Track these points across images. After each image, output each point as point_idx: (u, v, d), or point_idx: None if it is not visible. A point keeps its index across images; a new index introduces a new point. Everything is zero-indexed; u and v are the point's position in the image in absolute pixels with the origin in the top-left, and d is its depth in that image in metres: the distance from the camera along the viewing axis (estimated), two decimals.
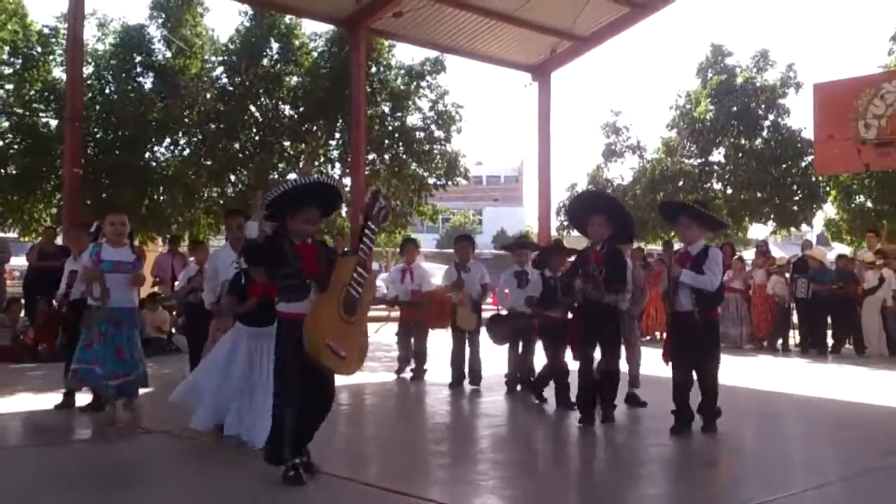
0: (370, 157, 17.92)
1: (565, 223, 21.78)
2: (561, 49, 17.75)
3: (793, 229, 22.19)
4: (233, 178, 18.70)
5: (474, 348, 8.85)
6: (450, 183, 19.52)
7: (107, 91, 16.98)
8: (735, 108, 20.24)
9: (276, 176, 19.03)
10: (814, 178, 19.52)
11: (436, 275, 10.49)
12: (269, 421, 4.72)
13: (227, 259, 6.14)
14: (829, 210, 20.82)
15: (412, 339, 9.45)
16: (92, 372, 6.24)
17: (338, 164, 19.31)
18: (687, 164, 20.88)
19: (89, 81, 15.97)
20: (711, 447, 5.98)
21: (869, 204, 19.42)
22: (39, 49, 16.42)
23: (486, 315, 9.13)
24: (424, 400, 8.48)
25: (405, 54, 70.62)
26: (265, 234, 5.63)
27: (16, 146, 16.26)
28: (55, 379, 8.75)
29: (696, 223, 6.18)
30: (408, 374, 9.42)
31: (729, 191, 20.89)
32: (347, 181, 18.31)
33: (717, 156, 21.03)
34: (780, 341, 14.08)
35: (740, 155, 20.35)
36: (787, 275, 14.22)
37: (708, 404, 6.16)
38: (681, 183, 20.76)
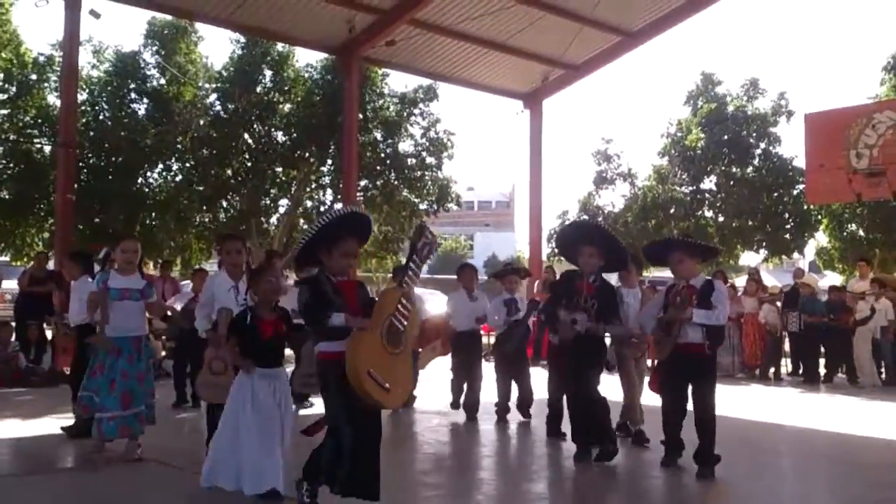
0: (362, 183, 17.96)
1: (556, 250, 21.87)
2: (553, 77, 17.90)
3: (784, 257, 22.31)
4: (225, 203, 18.71)
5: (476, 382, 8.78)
6: (441, 209, 19.56)
7: (101, 117, 17.01)
8: (726, 137, 20.42)
9: (268, 202, 19.07)
10: (805, 207, 19.63)
11: (427, 300, 10.46)
12: (260, 466, 4.70)
13: (224, 285, 5.91)
14: (821, 238, 20.94)
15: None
16: (93, 400, 6.14)
17: (329, 191, 19.34)
18: (678, 192, 20.99)
19: (83, 107, 16.05)
20: (703, 482, 5.94)
21: (861, 232, 19.53)
22: (34, 76, 16.45)
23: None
24: (414, 428, 8.41)
25: (398, 82, 71.12)
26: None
27: (9, 172, 16.23)
28: (44, 404, 8.68)
29: (689, 256, 6.03)
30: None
31: (720, 218, 21.00)
32: (339, 206, 18.34)
33: (709, 184, 21.18)
34: (772, 370, 14.06)
35: (732, 183, 20.48)
36: (779, 304, 14.24)
37: (708, 445, 5.90)
38: (672, 210, 20.87)
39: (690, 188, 21.11)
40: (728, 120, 20.56)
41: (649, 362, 7.27)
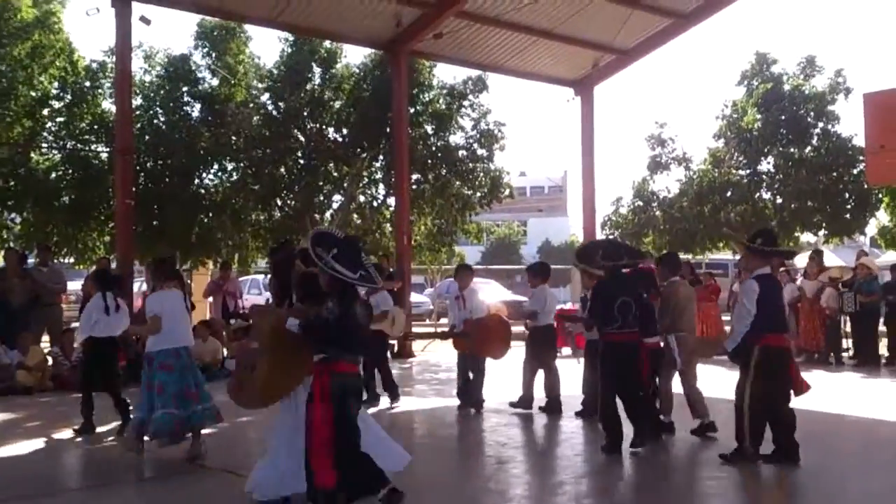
0: (414, 177, 17.96)
1: (610, 237, 21.60)
2: (603, 63, 17.66)
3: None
4: (279, 201, 18.89)
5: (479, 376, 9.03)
6: (494, 200, 19.47)
7: (155, 121, 17.30)
8: (783, 117, 19.87)
9: (322, 198, 19.20)
10: (866, 186, 19.03)
11: (481, 289, 10.46)
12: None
13: None
14: (882, 217, 20.28)
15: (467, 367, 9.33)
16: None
17: (382, 186, 19.39)
18: (735, 175, 20.51)
19: (138, 112, 16.28)
20: (761, 477, 5.82)
21: None
22: (88, 83, 16.79)
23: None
24: (476, 428, 8.40)
25: (447, 74, 70.97)
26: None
27: (69, 178, 16.61)
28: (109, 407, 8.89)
29: (752, 256, 6.34)
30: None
31: (779, 200, 20.46)
32: (392, 201, 18.41)
33: (766, 165, 20.64)
34: (832, 354, 13.74)
35: (790, 164, 19.91)
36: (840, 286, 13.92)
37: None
38: (729, 194, 20.40)
39: (747, 171, 20.59)
40: (785, 99, 19.99)
41: None
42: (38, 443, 7.42)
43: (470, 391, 9.13)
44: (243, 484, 5.15)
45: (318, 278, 4.75)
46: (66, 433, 7.74)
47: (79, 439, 7.55)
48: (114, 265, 13.46)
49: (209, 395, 6.75)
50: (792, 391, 6.21)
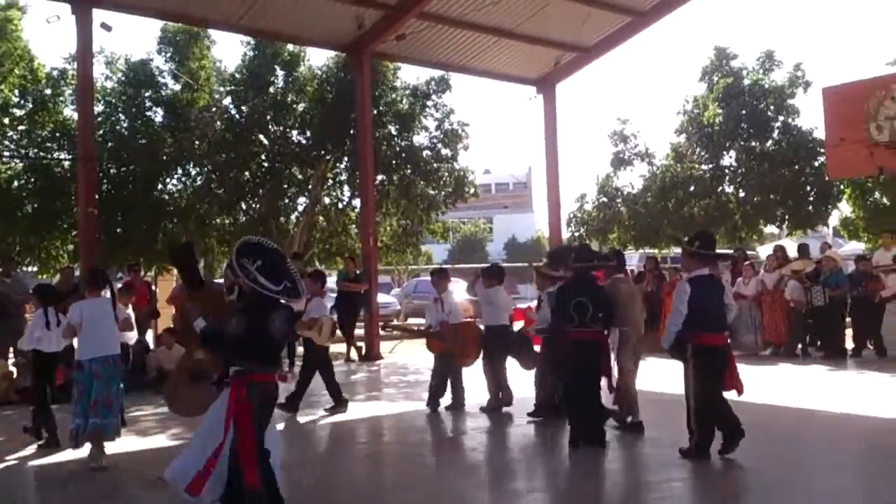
0: (378, 178, 17.97)
1: (576, 233, 21.81)
2: (564, 61, 17.77)
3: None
4: (244, 206, 18.79)
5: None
6: (459, 200, 19.55)
7: (117, 128, 17.13)
8: (744, 111, 20.19)
9: (287, 202, 19.14)
10: (827, 178, 19.40)
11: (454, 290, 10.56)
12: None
13: None
14: (844, 208, 20.69)
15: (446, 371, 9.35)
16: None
17: (347, 187, 19.37)
18: (698, 170, 20.80)
19: (100, 119, 16.10)
20: (731, 477, 5.94)
21: (885, 201, 19.28)
22: (49, 91, 16.57)
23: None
24: (446, 433, 8.45)
25: (410, 75, 70.88)
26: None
27: (31, 187, 16.40)
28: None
29: (689, 258, 6.66)
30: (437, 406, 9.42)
31: (742, 194, 20.79)
32: (357, 203, 18.40)
33: (728, 160, 20.97)
34: (799, 346, 13.97)
35: (752, 158, 20.24)
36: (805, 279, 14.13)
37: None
38: (692, 188, 20.70)
39: (710, 165, 20.91)
40: (745, 94, 20.31)
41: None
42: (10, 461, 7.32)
43: (455, 393, 9.25)
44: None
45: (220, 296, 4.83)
46: (31, 449, 7.66)
47: (37, 453, 7.46)
48: (77, 273, 13.32)
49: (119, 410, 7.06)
50: (724, 387, 6.43)
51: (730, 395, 6.48)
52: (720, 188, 20.96)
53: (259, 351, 4.71)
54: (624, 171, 21.62)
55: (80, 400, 6.81)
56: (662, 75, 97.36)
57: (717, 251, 7.28)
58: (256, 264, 4.69)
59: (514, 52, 17.08)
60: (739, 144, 20.47)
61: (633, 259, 24.68)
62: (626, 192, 21.51)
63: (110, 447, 6.92)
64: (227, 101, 18.50)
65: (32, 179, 16.46)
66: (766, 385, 10.09)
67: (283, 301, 4.79)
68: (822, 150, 19.11)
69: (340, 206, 19.49)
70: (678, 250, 24.25)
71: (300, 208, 19.49)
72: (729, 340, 7.00)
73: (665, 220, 20.51)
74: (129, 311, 9.66)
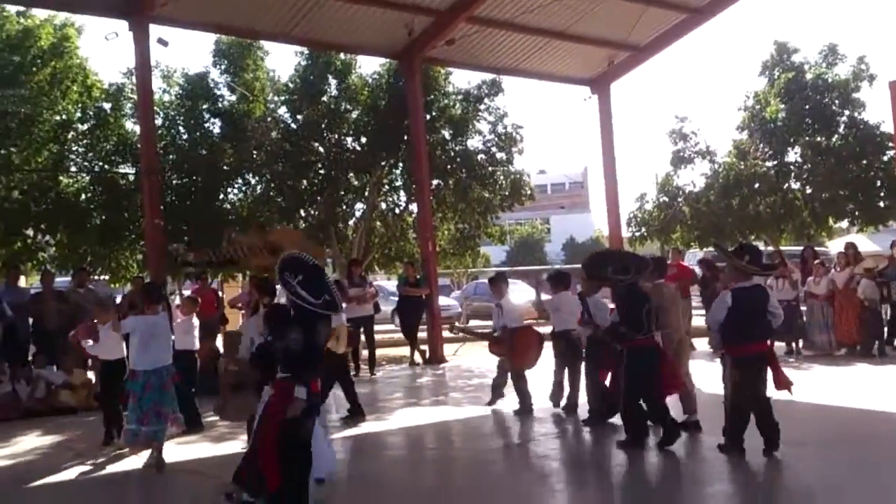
0: (434, 182, 18.02)
1: (636, 234, 21.45)
2: (618, 60, 17.54)
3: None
4: (303, 213, 19.07)
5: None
6: (515, 203, 19.45)
7: (178, 141, 17.60)
8: (807, 106, 19.56)
9: (345, 208, 19.35)
10: None
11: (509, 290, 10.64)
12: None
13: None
14: None
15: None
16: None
17: (403, 192, 19.46)
18: (762, 167, 20.22)
19: (160, 131, 16.54)
20: (797, 480, 5.75)
21: None
22: (108, 106, 17.11)
23: None
24: (515, 439, 8.36)
25: (462, 79, 70.68)
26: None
27: (97, 199, 16.95)
28: None
29: (734, 272, 6.78)
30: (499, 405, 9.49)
31: (808, 190, 20.13)
32: (414, 207, 18.49)
33: (793, 156, 20.30)
34: (876, 345, 13.46)
35: (817, 153, 19.57)
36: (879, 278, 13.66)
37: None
38: (756, 185, 20.11)
39: (774, 162, 20.28)
40: (808, 89, 19.65)
41: None
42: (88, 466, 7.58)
43: (521, 398, 9.29)
44: None
45: (284, 310, 4.96)
46: (110, 454, 7.94)
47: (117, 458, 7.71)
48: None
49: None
50: (775, 387, 6.63)
51: (785, 395, 6.56)
52: (786, 185, 20.30)
53: (307, 361, 4.91)
54: (684, 169, 21.13)
55: (134, 407, 7.11)
56: (721, 71, 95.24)
57: (763, 268, 7.43)
58: (298, 279, 4.88)
59: (567, 53, 16.94)
60: (804, 140, 19.80)
61: (698, 256, 24.17)
62: (688, 191, 21.03)
63: (190, 453, 7.38)
64: (282, 110, 18.82)
65: (99, 192, 17.00)
66: (841, 386, 9.74)
67: (323, 314, 5.00)
68: (891, 145, 18.44)
69: (398, 210, 19.60)
70: (786, 247, 23.68)
71: (358, 214, 19.67)
72: (770, 343, 7.09)
73: (729, 218, 19.99)
74: (195, 320, 9.95)
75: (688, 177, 21.31)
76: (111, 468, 7.42)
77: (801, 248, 17.32)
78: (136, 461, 7.46)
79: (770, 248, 20.18)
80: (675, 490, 6.04)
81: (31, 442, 8.80)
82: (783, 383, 6.58)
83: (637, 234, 21.21)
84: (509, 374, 9.44)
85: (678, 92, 76.98)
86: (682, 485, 6.11)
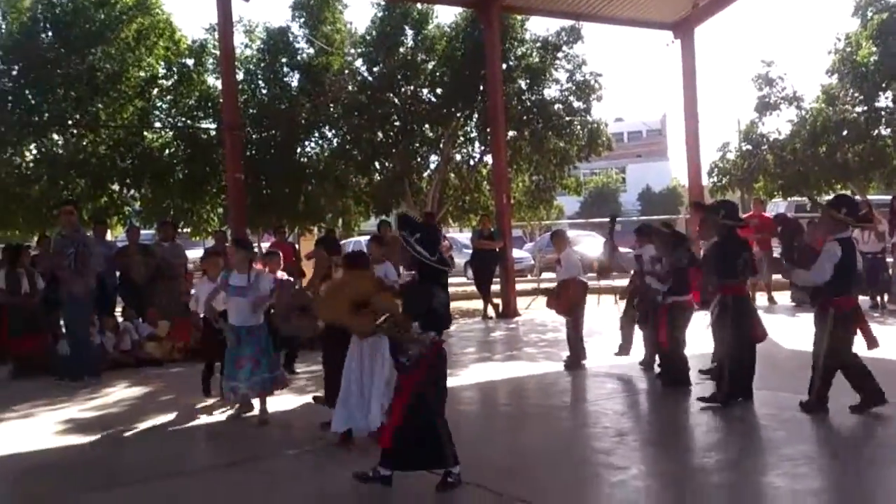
0: (510, 134, 17.82)
1: (717, 183, 20.91)
2: (704, 2, 16.86)
3: None
4: (378, 166, 19.14)
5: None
6: (592, 154, 19.12)
7: (258, 95, 17.76)
8: None
9: (419, 160, 19.34)
10: None
11: (581, 241, 10.64)
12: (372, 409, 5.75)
13: None
14: None
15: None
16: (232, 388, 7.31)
17: (478, 144, 19.32)
18: (851, 112, 19.37)
19: (241, 87, 16.70)
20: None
21: None
22: (192, 62, 17.34)
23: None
24: (584, 394, 8.41)
25: (539, 26, 69.16)
26: None
27: (180, 154, 17.31)
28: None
29: (830, 224, 6.66)
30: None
31: None
32: (489, 159, 18.36)
33: (885, 101, 19.38)
34: None
35: None
36: None
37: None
38: (845, 133, 19.31)
39: (864, 107, 19.39)
40: None
41: None
42: (175, 416, 7.86)
43: (572, 352, 9.43)
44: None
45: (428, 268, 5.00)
46: (199, 405, 8.20)
47: (206, 408, 7.98)
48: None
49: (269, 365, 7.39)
50: (866, 345, 6.66)
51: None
52: (875, 131, 19.45)
53: (447, 317, 5.22)
54: (770, 116, 20.39)
55: (232, 363, 7.21)
56: (810, 12, 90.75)
57: (860, 220, 7.36)
58: (415, 236, 5.02)
59: None
60: None
61: (781, 208, 23.49)
62: (773, 139, 20.32)
63: (275, 404, 7.39)
64: (359, 63, 18.77)
65: (182, 147, 17.35)
66: None
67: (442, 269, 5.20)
68: None
69: (472, 162, 19.50)
70: (874, 196, 22.89)
71: (432, 166, 19.64)
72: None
73: (816, 166, 19.30)
74: (280, 273, 10.10)
75: (773, 124, 20.63)
76: (202, 419, 7.66)
77: (889, 197, 16.64)
78: (222, 415, 7.69)
79: (857, 198, 19.44)
80: (764, 449, 5.93)
81: (119, 393, 9.09)
82: (871, 341, 6.60)
83: (718, 183, 20.68)
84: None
85: (764, 36, 73.91)
86: (775, 444, 6.00)
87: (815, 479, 5.22)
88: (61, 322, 10.64)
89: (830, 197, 9.70)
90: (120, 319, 12.07)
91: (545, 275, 21.92)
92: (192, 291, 8.37)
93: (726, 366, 7.12)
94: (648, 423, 7.19)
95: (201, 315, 8.22)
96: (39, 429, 7.44)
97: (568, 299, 9.33)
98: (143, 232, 16.01)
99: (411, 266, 5.20)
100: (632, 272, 9.37)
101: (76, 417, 7.91)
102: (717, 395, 7.13)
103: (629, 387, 8.47)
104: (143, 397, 8.96)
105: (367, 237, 20.48)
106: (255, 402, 7.35)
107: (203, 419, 7.67)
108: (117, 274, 12.88)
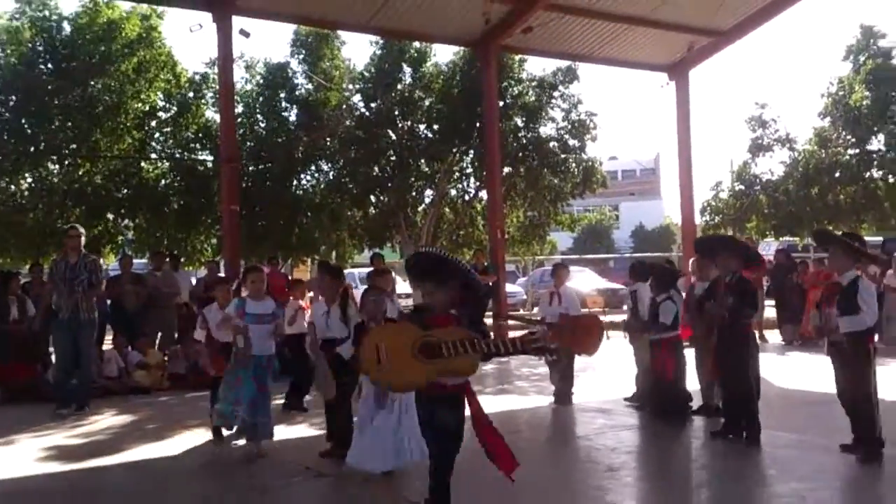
0: (505, 170, 17.95)
1: (710, 222, 21.03)
2: (699, 46, 17.08)
3: None
4: (374, 199, 19.23)
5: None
6: (587, 191, 19.25)
7: (256, 128, 17.90)
8: (893, 93, 18.84)
9: (415, 195, 19.45)
10: None
11: (574, 277, 10.51)
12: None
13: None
14: None
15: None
16: (233, 412, 6.79)
17: (473, 180, 19.45)
18: (843, 155, 19.59)
19: (239, 120, 16.85)
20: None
21: None
22: (191, 94, 17.50)
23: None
24: (575, 429, 8.36)
25: (536, 66, 70.08)
26: None
27: (176, 185, 17.38)
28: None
29: (845, 255, 6.34)
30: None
31: (892, 179, 19.44)
32: (484, 194, 18.46)
33: (877, 144, 19.64)
34: None
35: None
36: None
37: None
38: (837, 174, 19.51)
39: (856, 150, 19.65)
40: (894, 75, 18.94)
41: None
42: (161, 444, 7.76)
43: (561, 386, 9.29)
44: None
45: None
46: (185, 435, 8.11)
47: (192, 438, 7.87)
48: (222, 268, 14.02)
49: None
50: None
51: None
52: (868, 174, 19.67)
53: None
54: (763, 157, 20.65)
55: (233, 388, 6.85)
56: (803, 57, 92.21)
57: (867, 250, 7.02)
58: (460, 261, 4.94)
59: (646, 39, 16.57)
60: (889, 128, 19.12)
61: (773, 248, 23.60)
62: (766, 180, 20.53)
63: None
64: (357, 98, 18.98)
65: (178, 178, 17.43)
66: None
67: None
68: None
69: (467, 198, 19.60)
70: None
71: (427, 201, 19.75)
72: None
73: (807, 207, 19.46)
74: (301, 302, 10.01)
75: (766, 165, 20.92)
76: (186, 448, 7.56)
77: (879, 238, 16.78)
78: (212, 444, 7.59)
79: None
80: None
81: (106, 421, 8.96)
82: None
83: (711, 222, 20.81)
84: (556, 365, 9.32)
85: (757, 78, 74.90)
86: (769, 482, 5.96)
87: None
88: (50, 350, 10.51)
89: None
90: (108, 347, 11.99)
91: (536, 308, 21.88)
92: (200, 320, 8.02)
93: (751, 401, 6.97)
94: (642, 458, 7.12)
95: (203, 341, 7.80)
96: (23, 455, 7.32)
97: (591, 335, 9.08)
98: (134, 261, 15.96)
99: (473, 296, 4.84)
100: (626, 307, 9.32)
101: (61, 444, 7.79)
102: (752, 436, 6.85)
103: (621, 421, 8.41)
104: (130, 425, 8.83)
105: (363, 269, 20.62)
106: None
107: (191, 446, 7.57)
108: (108, 302, 12.81)
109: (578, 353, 9.02)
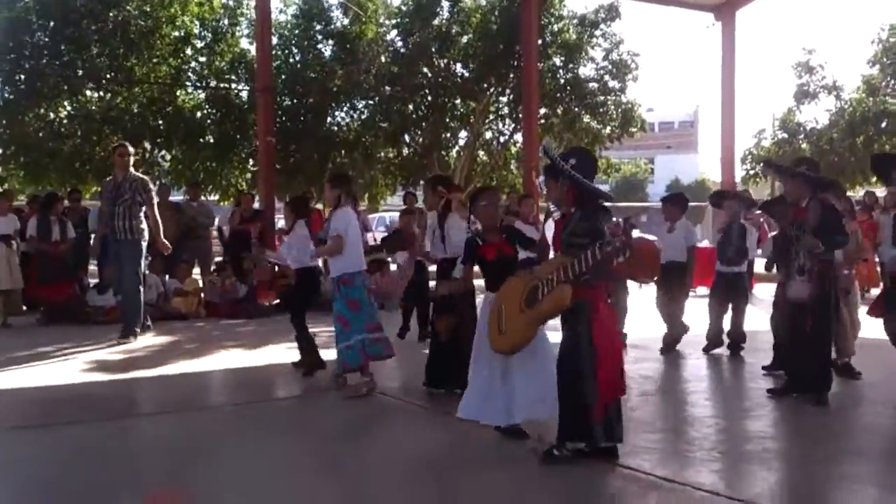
0: (542, 111, 17.63)
1: (750, 171, 20.60)
2: None
3: None
4: (408, 139, 19.05)
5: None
6: (625, 135, 18.89)
7: (291, 60, 17.71)
8: None
9: (449, 135, 19.23)
10: None
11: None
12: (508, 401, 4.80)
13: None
14: None
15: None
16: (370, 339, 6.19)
17: (509, 121, 19.16)
18: (891, 104, 18.98)
19: (275, 52, 16.66)
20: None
21: None
22: (226, 21, 17.30)
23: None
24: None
25: (578, 3, 68.51)
26: None
27: (212, 116, 17.31)
28: (263, 334, 9.27)
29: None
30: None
31: None
32: (519, 136, 18.20)
33: None
34: None
35: None
36: None
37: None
38: (884, 124, 18.94)
39: None
40: None
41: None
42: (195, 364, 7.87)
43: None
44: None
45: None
46: (220, 354, 8.22)
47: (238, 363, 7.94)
48: (256, 202, 14.04)
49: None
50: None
51: None
52: None
53: None
54: (808, 104, 20.06)
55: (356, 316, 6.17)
56: (855, 1, 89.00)
57: None
58: (571, 163, 4.35)
59: None
60: None
61: None
62: (810, 128, 19.98)
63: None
64: (393, 33, 18.66)
65: (213, 109, 17.34)
66: None
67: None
68: None
69: (502, 139, 19.35)
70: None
71: (462, 142, 19.52)
72: None
73: (852, 157, 18.95)
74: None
75: (811, 113, 20.31)
76: (230, 365, 7.63)
77: None
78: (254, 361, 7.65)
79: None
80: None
81: (145, 341, 9.06)
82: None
83: (751, 171, 20.39)
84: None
85: (807, 22, 72.42)
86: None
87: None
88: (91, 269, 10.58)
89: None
90: (147, 272, 12.09)
91: None
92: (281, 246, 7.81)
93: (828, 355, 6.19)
94: (673, 387, 7.04)
95: (294, 267, 7.29)
96: (66, 369, 7.49)
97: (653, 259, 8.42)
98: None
99: (573, 199, 4.38)
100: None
101: (102, 359, 7.96)
102: (824, 394, 5.99)
103: (657, 356, 8.28)
104: (169, 345, 8.98)
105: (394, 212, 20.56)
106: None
107: (231, 365, 7.66)
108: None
109: (639, 278, 8.74)
